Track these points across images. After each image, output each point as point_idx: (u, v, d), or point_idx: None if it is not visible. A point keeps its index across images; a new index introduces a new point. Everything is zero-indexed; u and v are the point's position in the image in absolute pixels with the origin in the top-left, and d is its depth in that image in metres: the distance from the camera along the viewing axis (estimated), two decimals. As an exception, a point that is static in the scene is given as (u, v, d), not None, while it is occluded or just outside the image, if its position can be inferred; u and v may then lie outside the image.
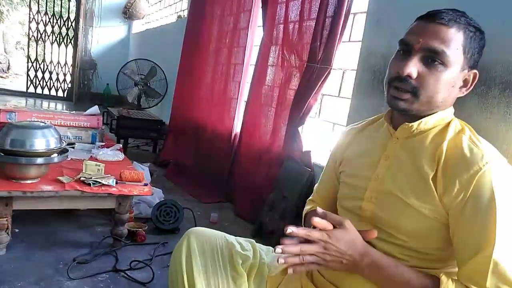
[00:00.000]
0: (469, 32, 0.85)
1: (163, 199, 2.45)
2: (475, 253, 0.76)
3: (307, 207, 1.18)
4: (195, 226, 1.07)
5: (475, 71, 0.89)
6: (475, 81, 0.90)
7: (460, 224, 0.79)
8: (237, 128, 3.00)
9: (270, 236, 2.17)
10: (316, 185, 1.22)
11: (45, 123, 1.82)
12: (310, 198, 1.22)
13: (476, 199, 0.77)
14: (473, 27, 0.87)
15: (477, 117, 1.26)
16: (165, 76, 4.71)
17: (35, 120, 2.25)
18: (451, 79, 0.85)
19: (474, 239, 0.77)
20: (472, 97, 1.26)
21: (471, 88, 0.90)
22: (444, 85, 0.85)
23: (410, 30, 0.89)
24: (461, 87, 0.89)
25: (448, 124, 0.89)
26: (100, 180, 1.84)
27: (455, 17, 0.85)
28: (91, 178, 1.84)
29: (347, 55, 2.15)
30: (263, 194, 2.37)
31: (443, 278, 0.77)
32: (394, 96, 0.87)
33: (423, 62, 0.85)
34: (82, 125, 2.64)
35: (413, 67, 0.84)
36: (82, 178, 1.84)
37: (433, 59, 0.84)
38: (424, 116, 0.90)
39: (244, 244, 1.07)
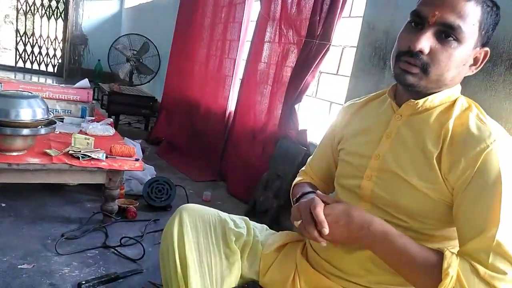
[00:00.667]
0: (486, 6, 0.80)
1: (155, 176, 2.41)
2: (479, 232, 0.73)
3: (298, 178, 1.15)
4: (188, 203, 1.05)
5: (486, 49, 0.84)
6: (486, 59, 0.85)
7: (465, 202, 0.77)
8: (231, 106, 2.94)
9: (264, 215, 2.15)
10: (310, 157, 1.19)
11: (31, 93, 1.74)
12: (302, 169, 1.19)
13: (482, 177, 0.75)
14: (491, 1, 0.81)
15: (482, 95, 1.23)
16: (158, 52, 4.61)
17: (22, 90, 2.16)
18: (463, 57, 0.81)
19: (478, 219, 0.74)
20: (477, 74, 1.20)
21: (481, 67, 0.85)
22: (456, 63, 0.81)
23: (424, 0, 0.82)
24: (471, 65, 0.85)
25: (455, 101, 0.85)
26: (89, 154, 1.79)
27: None
28: (80, 151, 1.79)
29: (347, 31, 2.09)
30: (257, 173, 2.33)
31: (447, 252, 0.74)
32: (403, 70, 0.82)
33: (436, 37, 0.80)
34: (71, 99, 2.56)
35: (426, 42, 0.79)
36: (70, 152, 1.78)
37: (448, 34, 0.78)
38: (430, 94, 0.85)
39: (237, 222, 1.05)
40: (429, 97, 0.85)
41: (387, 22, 1.64)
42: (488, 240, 0.72)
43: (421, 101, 0.86)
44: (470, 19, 0.78)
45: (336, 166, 1.05)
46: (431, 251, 0.77)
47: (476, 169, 0.75)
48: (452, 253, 0.75)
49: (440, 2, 0.79)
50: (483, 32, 0.81)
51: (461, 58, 0.81)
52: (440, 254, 0.75)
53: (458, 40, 0.79)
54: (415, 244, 0.78)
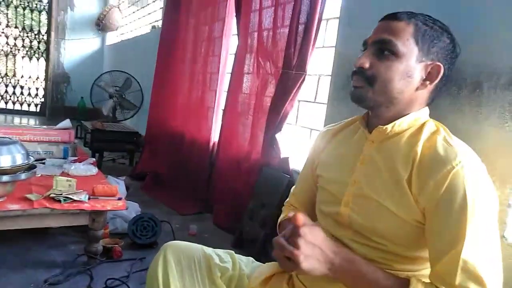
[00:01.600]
0: (421, 24, 0.88)
1: (140, 213, 2.38)
2: (446, 252, 0.75)
3: (282, 215, 1.16)
4: (174, 239, 1.06)
5: (438, 63, 0.89)
6: (440, 74, 0.89)
7: (434, 224, 0.79)
8: (215, 137, 2.96)
9: (251, 245, 2.13)
10: (293, 187, 1.21)
11: (10, 139, 1.74)
12: (287, 200, 1.20)
13: (449, 198, 0.77)
14: (430, 22, 0.90)
15: (451, 117, 1.26)
16: (140, 87, 4.64)
17: (1, 136, 2.15)
18: (404, 68, 0.87)
19: (445, 239, 0.76)
20: (445, 98, 1.27)
21: (437, 81, 0.89)
22: (397, 74, 0.87)
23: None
24: (424, 80, 0.89)
25: (423, 125, 0.89)
26: (71, 196, 1.77)
27: (408, 15, 0.89)
28: (61, 194, 1.77)
29: (322, 61, 2.15)
30: (243, 203, 2.33)
31: (413, 279, 0.76)
32: (353, 86, 0.92)
33: (375, 54, 0.89)
34: (53, 140, 2.56)
35: (365, 59, 0.89)
36: (52, 195, 1.76)
37: (383, 49, 0.88)
38: (397, 118, 0.90)
39: (223, 256, 1.05)
40: (397, 121, 0.90)
41: (357, 51, 1.69)
42: (454, 260, 0.74)
43: (389, 126, 0.90)
44: (403, 35, 0.87)
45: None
46: (398, 279, 0.79)
47: (443, 191, 0.78)
48: (419, 280, 0.76)
49: (378, 28, 0.92)
50: (424, 47, 0.88)
51: (402, 70, 0.87)
52: (406, 281, 0.77)
53: (394, 53, 0.87)
54: (382, 272, 0.80)
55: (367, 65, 0.88)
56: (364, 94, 0.90)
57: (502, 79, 1.14)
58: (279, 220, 1.16)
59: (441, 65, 0.89)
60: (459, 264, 0.73)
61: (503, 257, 0.78)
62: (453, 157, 0.79)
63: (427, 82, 0.89)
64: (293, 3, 2.08)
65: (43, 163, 2.31)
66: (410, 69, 0.87)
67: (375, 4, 1.64)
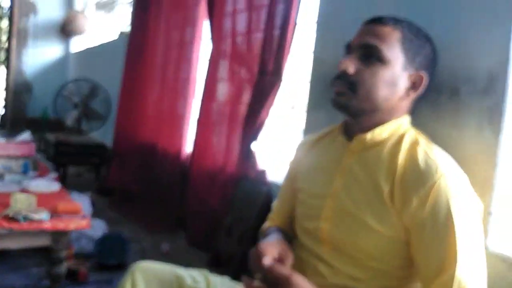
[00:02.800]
0: (407, 31, 0.88)
1: (107, 231, 2.26)
2: (438, 273, 0.75)
3: (264, 226, 1.13)
4: (144, 259, 0.97)
5: (422, 73, 0.88)
6: (423, 84, 0.90)
7: (421, 243, 0.78)
8: (188, 148, 2.86)
9: (228, 263, 2.03)
10: (274, 201, 1.17)
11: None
12: (269, 215, 1.17)
13: (433, 215, 0.77)
14: (415, 30, 0.89)
15: (431, 124, 1.24)
16: (108, 96, 4.48)
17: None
18: (390, 76, 0.86)
19: (436, 259, 0.76)
20: (425, 104, 1.25)
21: (419, 90, 0.90)
22: (382, 81, 0.86)
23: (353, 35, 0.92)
24: (408, 89, 0.89)
25: (403, 135, 0.88)
26: (31, 215, 1.63)
27: (394, 20, 0.88)
28: (21, 213, 1.63)
29: (299, 66, 2.11)
30: (218, 218, 2.24)
31: None
32: (335, 93, 0.89)
33: (361, 60, 0.87)
34: (12, 154, 2.40)
35: (350, 63, 0.86)
36: (10, 214, 1.63)
37: (369, 54, 0.86)
38: (376, 126, 0.88)
39: (196, 277, 1.00)
40: (376, 129, 0.88)
41: (335, 57, 1.66)
42: (449, 279, 0.73)
43: (369, 135, 0.88)
44: (389, 40, 0.85)
45: None
46: None
47: (427, 207, 0.77)
48: None
49: (363, 31, 0.89)
50: (409, 55, 0.87)
51: (387, 77, 0.86)
52: None
53: (380, 59, 0.85)
54: None
55: (351, 70, 0.85)
56: (348, 101, 0.87)
57: (478, 85, 1.13)
58: (260, 231, 1.13)
59: (424, 75, 0.89)
60: (454, 283, 0.73)
61: (485, 265, 0.79)
62: (434, 171, 0.79)
63: (410, 92, 0.89)
64: (268, 7, 2.04)
65: (1, 179, 2.18)
66: (395, 77, 0.86)
67: (352, 9, 1.62)
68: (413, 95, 0.90)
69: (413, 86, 0.89)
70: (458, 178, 0.80)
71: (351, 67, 0.85)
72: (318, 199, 0.92)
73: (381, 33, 0.86)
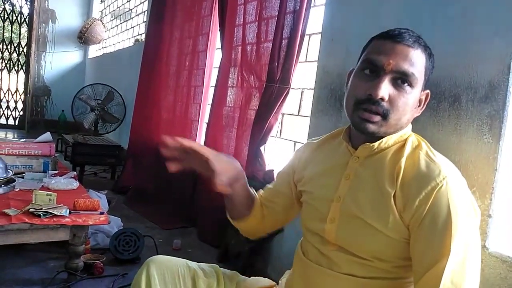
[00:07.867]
0: (428, 54, 0.88)
1: (122, 227, 2.34)
2: (430, 266, 0.76)
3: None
4: (157, 254, 1.02)
5: (427, 91, 0.91)
6: (428, 100, 0.92)
7: (418, 240, 0.80)
8: (199, 150, 2.94)
9: (236, 259, 2.11)
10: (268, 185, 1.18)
11: (-12, 152, 1.69)
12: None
13: (433, 215, 0.78)
14: (429, 49, 0.89)
15: (430, 130, 1.29)
16: (123, 100, 4.60)
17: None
18: (415, 99, 0.87)
19: (430, 255, 0.77)
20: (425, 112, 1.29)
21: (424, 107, 0.92)
22: (410, 107, 0.86)
23: (375, 49, 0.86)
24: (416, 107, 0.90)
25: (406, 140, 0.89)
26: (51, 211, 1.72)
27: (417, 39, 0.86)
28: (41, 209, 1.72)
29: (305, 75, 2.18)
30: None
31: None
32: (364, 119, 0.84)
33: (392, 84, 0.84)
34: (32, 153, 2.49)
35: (385, 90, 0.83)
36: (31, 210, 1.71)
37: (404, 80, 0.84)
38: (385, 136, 0.89)
39: (207, 270, 1.04)
40: (384, 139, 0.88)
41: (339, 66, 1.73)
42: (438, 273, 0.75)
43: (376, 144, 0.88)
44: (419, 66, 0.85)
45: (292, 202, 1.08)
46: None
47: (428, 207, 0.78)
48: None
49: (393, 51, 0.83)
50: (427, 77, 0.88)
51: (414, 101, 0.86)
52: None
53: (411, 85, 0.84)
54: None
55: (387, 97, 0.83)
56: (377, 130, 0.85)
57: (479, 93, 1.17)
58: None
59: (429, 92, 0.92)
60: (442, 278, 0.74)
61: (485, 266, 0.82)
62: (436, 174, 0.80)
63: (419, 108, 0.91)
64: (276, 18, 2.12)
65: (22, 177, 2.25)
66: (417, 99, 0.88)
67: (357, 21, 1.68)
68: (420, 112, 0.92)
69: (420, 103, 0.90)
70: (459, 182, 0.81)
71: (387, 94, 0.83)
72: (324, 201, 0.93)
73: (413, 59, 0.83)
